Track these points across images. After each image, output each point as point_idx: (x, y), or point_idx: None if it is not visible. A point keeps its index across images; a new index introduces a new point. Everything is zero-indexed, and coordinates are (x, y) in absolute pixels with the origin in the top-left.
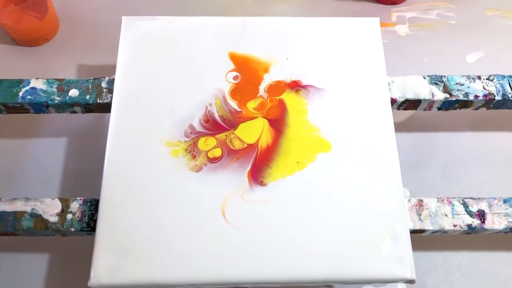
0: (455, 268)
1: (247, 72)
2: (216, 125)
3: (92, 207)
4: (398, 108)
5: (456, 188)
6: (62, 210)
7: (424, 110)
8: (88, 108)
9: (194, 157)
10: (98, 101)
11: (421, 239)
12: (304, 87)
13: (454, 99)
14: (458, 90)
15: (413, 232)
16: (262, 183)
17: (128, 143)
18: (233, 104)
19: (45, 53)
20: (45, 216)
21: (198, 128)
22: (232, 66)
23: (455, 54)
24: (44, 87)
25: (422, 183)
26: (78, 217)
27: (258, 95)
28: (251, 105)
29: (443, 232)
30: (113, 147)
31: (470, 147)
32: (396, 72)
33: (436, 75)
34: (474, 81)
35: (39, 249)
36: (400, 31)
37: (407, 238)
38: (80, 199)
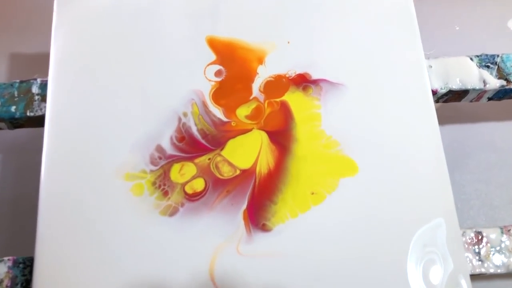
0: None
1: (234, 64)
2: (195, 144)
3: (27, 270)
4: (437, 101)
5: (505, 195)
6: None
7: (471, 101)
8: (16, 123)
9: (165, 194)
10: (28, 114)
11: None
12: (315, 82)
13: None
14: None
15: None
16: (264, 228)
17: (69, 177)
18: (217, 112)
19: None
20: None
21: (170, 150)
22: (213, 57)
23: (494, 19)
24: None
25: (461, 191)
26: (7, 286)
27: (251, 97)
28: (243, 112)
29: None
30: (48, 186)
31: None
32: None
33: (486, 55)
34: None
35: None
36: None
37: None
38: (9, 259)
